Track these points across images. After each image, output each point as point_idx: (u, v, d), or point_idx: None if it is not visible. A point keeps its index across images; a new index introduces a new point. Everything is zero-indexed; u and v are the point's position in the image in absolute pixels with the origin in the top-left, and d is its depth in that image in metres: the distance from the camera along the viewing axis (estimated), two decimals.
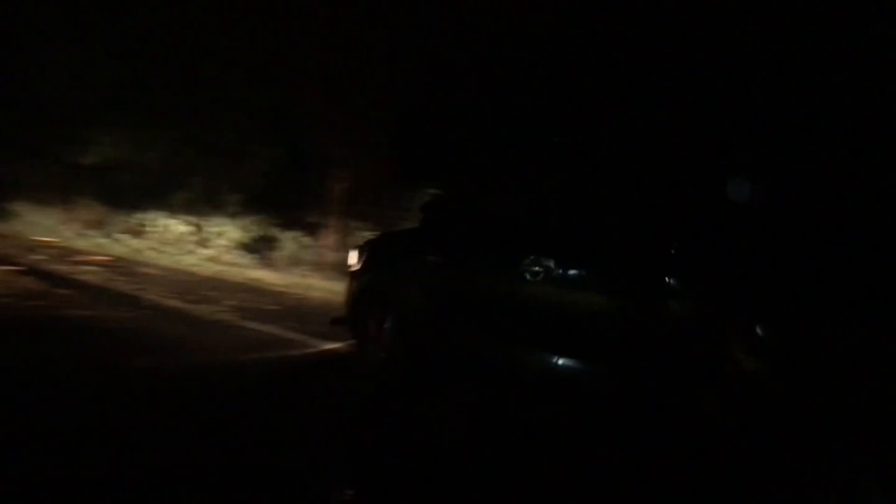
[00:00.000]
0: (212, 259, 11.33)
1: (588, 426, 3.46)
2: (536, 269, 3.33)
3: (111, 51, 13.03)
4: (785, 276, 2.64)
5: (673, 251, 2.89)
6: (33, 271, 9.33)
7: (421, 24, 10.73)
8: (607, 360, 3.08)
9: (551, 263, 3.27)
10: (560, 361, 3.25)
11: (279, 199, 12.51)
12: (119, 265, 10.48)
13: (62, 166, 15.61)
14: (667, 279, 2.85)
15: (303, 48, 11.62)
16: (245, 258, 11.34)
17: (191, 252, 11.70)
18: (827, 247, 2.60)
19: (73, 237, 13.46)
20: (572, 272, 3.27)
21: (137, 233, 12.72)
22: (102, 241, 12.60)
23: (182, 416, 3.62)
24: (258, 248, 11.69)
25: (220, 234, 12.11)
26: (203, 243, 12.06)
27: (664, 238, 2.94)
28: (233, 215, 12.20)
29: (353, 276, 4.75)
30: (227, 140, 13.44)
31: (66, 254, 11.38)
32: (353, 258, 4.78)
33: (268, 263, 11.03)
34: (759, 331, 2.65)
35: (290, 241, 12.05)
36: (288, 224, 12.61)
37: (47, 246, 12.01)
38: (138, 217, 13.28)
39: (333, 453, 3.31)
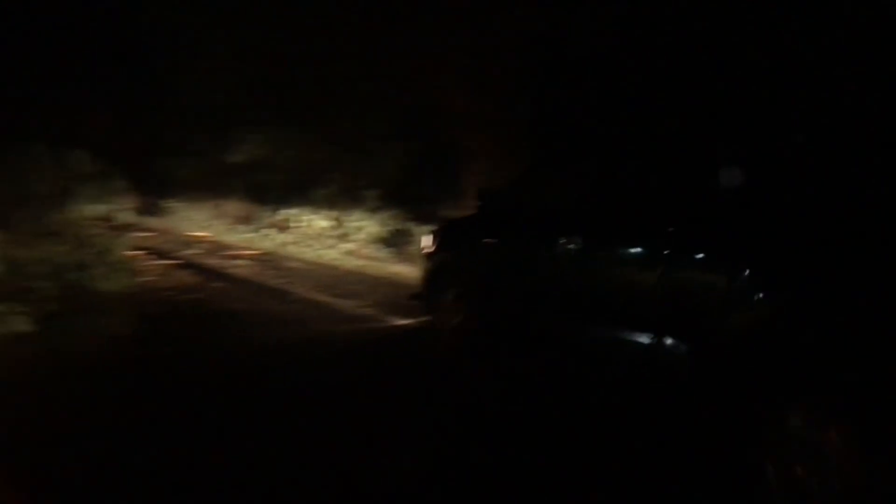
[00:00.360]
0: (351, 253, 11.46)
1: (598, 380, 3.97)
2: (568, 248, 3.91)
3: (257, 51, 13.46)
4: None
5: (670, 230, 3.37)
6: (189, 265, 9.77)
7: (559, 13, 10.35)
8: (623, 324, 3.56)
9: (580, 243, 3.87)
10: (581, 326, 3.92)
11: (416, 193, 12.47)
12: (266, 259, 10.79)
13: (211, 164, 16.48)
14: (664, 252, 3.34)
15: (440, 41, 11.48)
16: (383, 252, 11.38)
17: (332, 247, 11.90)
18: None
19: (222, 232, 14.10)
20: (596, 251, 3.86)
21: (282, 228, 13.12)
22: (250, 235, 13.09)
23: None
24: (396, 242, 11.69)
25: (359, 229, 12.24)
26: (343, 238, 12.25)
27: (664, 220, 3.41)
28: (372, 210, 12.29)
29: (427, 257, 5.46)
30: (366, 136, 13.55)
31: (217, 248, 11.90)
32: (426, 242, 5.51)
33: (405, 258, 11.00)
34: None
35: (426, 236, 11.93)
36: (424, 218, 12.53)
37: (200, 241, 12.63)
38: (283, 212, 13.68)
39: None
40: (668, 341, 3.26)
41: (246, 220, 14.56)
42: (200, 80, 13.47)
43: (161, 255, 10.44)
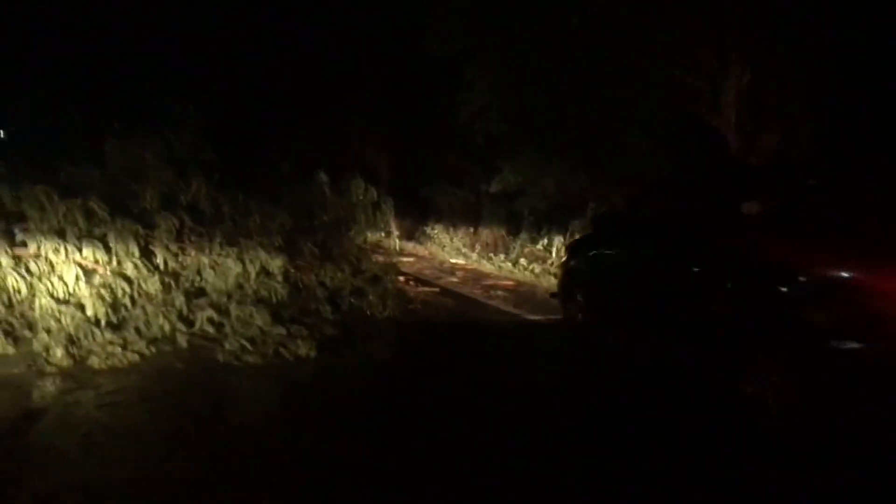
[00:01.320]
0: None
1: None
2: (644, 259, 5.49)
3: (528, 79, 13.39)
4: None
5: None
6: (451, 293, 9.76)
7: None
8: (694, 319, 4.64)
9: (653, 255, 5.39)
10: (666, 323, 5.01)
11: None
12: (522, 289, 10.47)
13: (470, 192, 16.82)
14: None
15: (719, 56, 10.44)
16: None
17: None
18: None
19: (478, 259, 14.15)
20: (666, 259, 5.12)
21: (538, 258, 12.77)
22: (505, 265, 12.92)
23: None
24: None
25: None
26: None
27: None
28: None
29: (561, 266, 7.64)
30: (627, 163, 12.84)
31: (476, 276, 11.87)
32: (563, 254, 7.74)
33: None
34: None
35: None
36: None
37: (459, 268, 12.72)
38: (537, 241, 13.39)
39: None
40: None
41: (500, 248, 14.50)
42: (469, 109, 13.70)
43: (423, 281, 10.62)
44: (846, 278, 3.62)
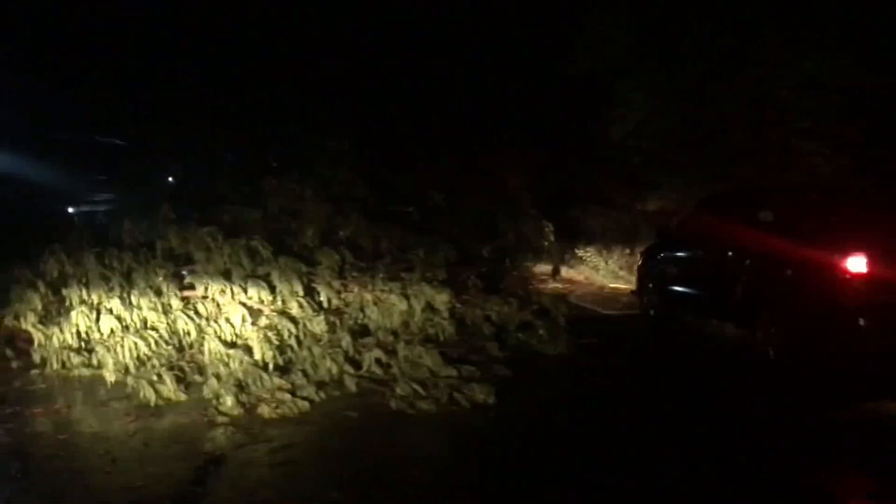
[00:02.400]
0: None
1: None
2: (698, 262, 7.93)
3: (677, 96, 12.56)
4: None
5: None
6: (620, 321, 8.96)
7: None
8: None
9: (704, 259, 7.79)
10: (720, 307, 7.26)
11: None
12: None
13: (624, 213, 15.85)
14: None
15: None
16: None
17: None
18: None
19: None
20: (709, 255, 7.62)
21: None
22: None
23: None
24: None
25: None
26: None
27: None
28: None
29: (638, 269, 9.80)
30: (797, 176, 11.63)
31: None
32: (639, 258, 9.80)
33: None
34: None
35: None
36: None
37: (621, 293, 11.76)
38: None
39: None
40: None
41: None
42: (629, 126, 12.98)
43: (585, 309, 9.85)
44: (805, 265, 5.91)
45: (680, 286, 8.03)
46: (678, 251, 8.34)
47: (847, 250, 5.54)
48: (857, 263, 5.48)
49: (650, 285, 8.88)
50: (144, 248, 7.18)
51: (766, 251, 6.32)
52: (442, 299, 6.43)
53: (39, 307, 6.94)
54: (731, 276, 6.80)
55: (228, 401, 5.29)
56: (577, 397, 5.84)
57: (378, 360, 5.97)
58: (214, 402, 5.40)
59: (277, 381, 5.66)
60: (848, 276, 5.51)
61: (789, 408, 5.24)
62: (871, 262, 5.43)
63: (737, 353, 7.09)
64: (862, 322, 5.45)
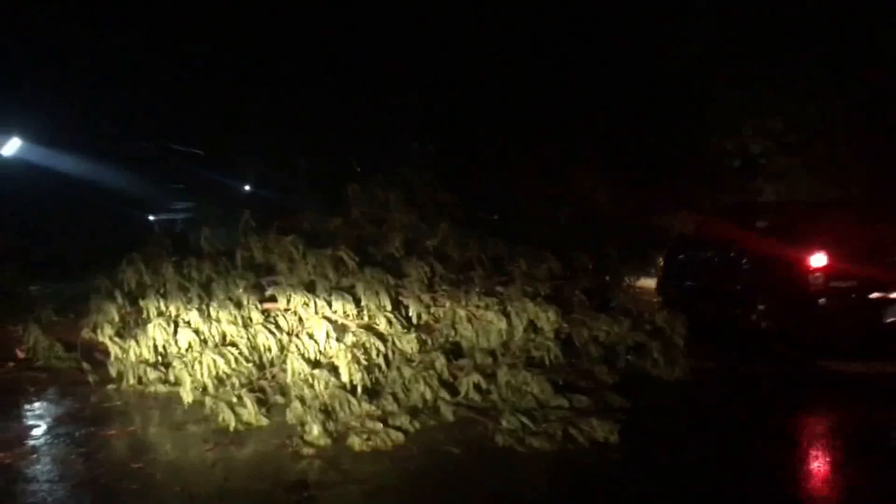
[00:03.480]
0: None
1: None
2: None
3: (791, 95, 11.60)
4: None
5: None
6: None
7: None
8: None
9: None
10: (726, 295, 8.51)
11: None
12: None
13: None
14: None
15: None
16: None
17: None
18: None
19: None
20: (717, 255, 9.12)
21: None
22: None
23: None
24: None
25: None
26: None
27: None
28: None
29: (660, 267, 11.24)
30: None
31: None
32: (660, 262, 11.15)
33: None
34: None
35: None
36: None
37: None
38: None
39: None
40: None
41: None
42: (723, 128, 12.09)
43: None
44: (784, 262, 7.61)
45: (693, 281, 9.55)
46: (694, 252, 9.89)
47: (811, 250, 7.31)
48: (818, 260, 7.28)
49: (670, 281, 10.30)
50: (224, 257, 6.75)
51: (759, 251, 8.06)
52: (549, 317, 5.72)
53: (116, 318, 6.61)
54: (735, 270, 8.49)
55: (315, 429, 4.74)
56: (709, 432, 5.03)
57: (477, 386, 5.29)
58: (299, 429, 4.86)
59: (367, 406, 5.10)
60: (811, 269, 7.29)
61: (777, 363, 7.27)
62: (830, 259, 7.24)
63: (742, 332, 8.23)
64: (821, 303, 7.24)
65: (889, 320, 6.95)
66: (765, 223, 8.40)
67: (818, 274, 7.21)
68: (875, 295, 7.08)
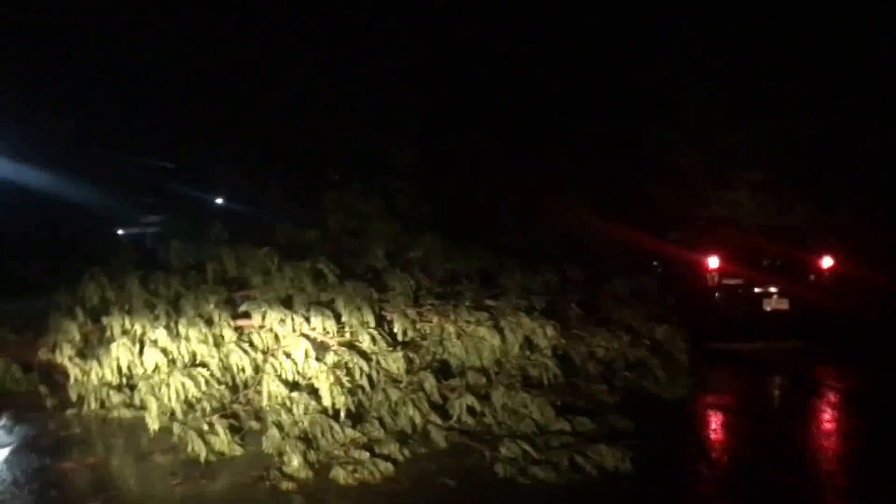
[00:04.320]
0: None
1: None
2: None
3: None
4: None
5: None
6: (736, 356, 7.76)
7: None
8: None
9: None
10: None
11: None
12: None
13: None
14: None
15: None
16: None
17: None
18: None
19: None
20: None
21: None
22: None
23: None
24: None
25: None
26: None
27: None
28: None
29: None
30: None
31: None
32: None
33: None
34: None
35: None
36: None
37: None
38: None
39: None
40: None
41: None
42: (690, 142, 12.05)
43: None
44: (690, 264, 9.28)
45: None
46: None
47: (708, 254, 9.08)
48: (713, 262, 9.05)
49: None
50: (194, 271, 6.29)
51: (673, 257, 9.61)
52: (546, 333, 5.33)
53: (77, 337, 6.11)
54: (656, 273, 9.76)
55: (294, 460, 4.30)
56: (721, 456, 4.67)
57: (470, 409, 4.89)
58: (277, 459, 4.41)
59: (351, 433, 4.67)
60: (708, 269, 9.05)
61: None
62: (722, 262, 9.05)
63: None
64: (716, 297, 8.99)
65: (767, 309, 8.83)
66: (675, 235, 10.27)
67: (713, 273, 9.05)
68: (756, 290, 8.91)
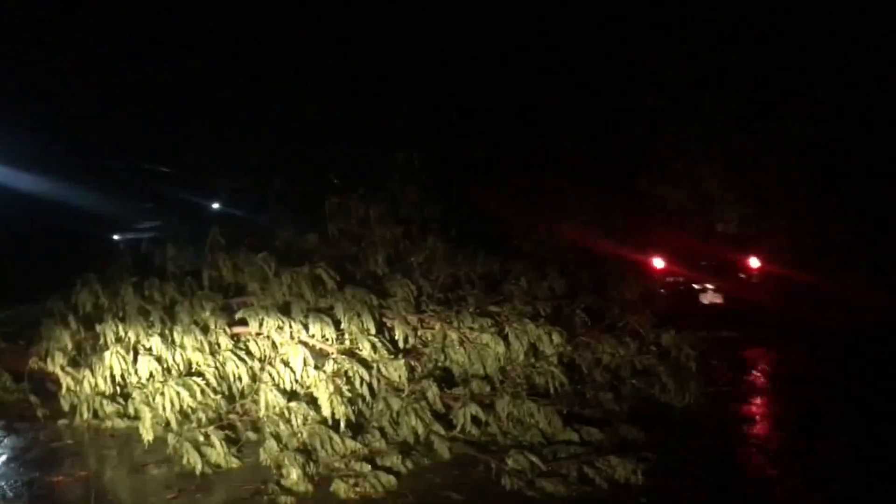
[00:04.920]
0: None
1: None
2: None
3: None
4: None
5: None
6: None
7: None
8: None
9: None
10: None
11: None
12: None
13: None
14: None
15: None
16: None
17: None
18: None
19: None
20: None
21: None
22: None
23: None
24: None
25: None
26: None
27: None
28: None
29: None
30: None
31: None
32: None
33: None
34: None
35: None
36: None
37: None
38: None
39: None
40: None
41: None
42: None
43: None
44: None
45: None
46: None
47: (655, 254, 10.38)
48: (658, 262, 10.37)
49: None
50: (190, 277, 6.13)
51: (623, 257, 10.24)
52: (552, 340, 5.18)
53: (70, 345, 5.93)
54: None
55: (293, 473, 4.14)
56: (737, 467, 4.51)
57: (475, 418, 4.73)
58: (275, 472, 4.25)
59: (351, 443, 4.52)
60: (655, 267, 10.26)
61: None
62: (666, 261, 10.34)
63: None
64: (662, 292, 9.77)
65: (705, 302, 10.03)
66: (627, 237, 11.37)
67: (659, 272, 10.34)
68: (695, 286, 10.19)
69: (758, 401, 6.28)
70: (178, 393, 4.96)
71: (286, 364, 5.18)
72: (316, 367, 5.09)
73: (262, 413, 4.87)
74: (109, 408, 5.56)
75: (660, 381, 5.70)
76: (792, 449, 4.79)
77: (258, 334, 5.50)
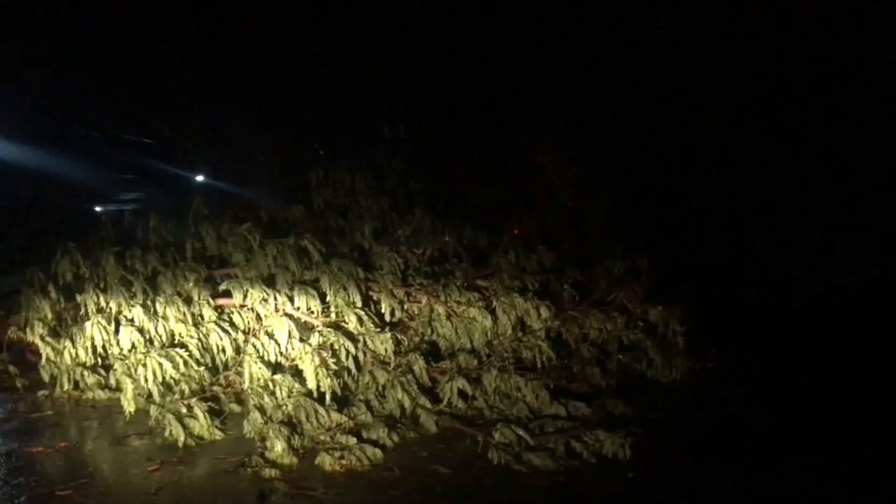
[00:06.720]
0: None
1: None
2: None
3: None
4: None
5: None
6: None
7: None
8: None
9: None
10: None
11: None
12: None
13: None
14: None
15: None
16: None
17: None
18: None
19: None
20: None
21: None
22: None
23: None
24: None
25: None
26: None
27: None
28: None
29: None
30: None
31: None
32: None
33: None
34: None
35: None
36: None
37: None
38: None
39: None
40: None
41: None
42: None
43: None
44: None
45: None
46: None
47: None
48: None
49: None
50: (173, 248, 6.02)
51: None
52: (540, 314, 5.15)
53: (50, 316, 5.83)
54: None
55: (277, 446, 4.08)
56: (725, 442, 4.51)
57: (461, 392, 4.70)
58: (259, 445, 4.20)
59: (337, 416, 4.47)
60: None
61: None
62: None
63: None
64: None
65: None
66: None
67: None
68: None
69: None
70: (160, 364, 4.88)
71: (271, 336, 5.12)
72: (301, 340, 5.03)
73: (246, 385, 4.80)
74: (91, 379, 5.48)
75: (647, 356, 5.68)
76: (778, 424, 4.78)
77: (242, 306, 5.43)
